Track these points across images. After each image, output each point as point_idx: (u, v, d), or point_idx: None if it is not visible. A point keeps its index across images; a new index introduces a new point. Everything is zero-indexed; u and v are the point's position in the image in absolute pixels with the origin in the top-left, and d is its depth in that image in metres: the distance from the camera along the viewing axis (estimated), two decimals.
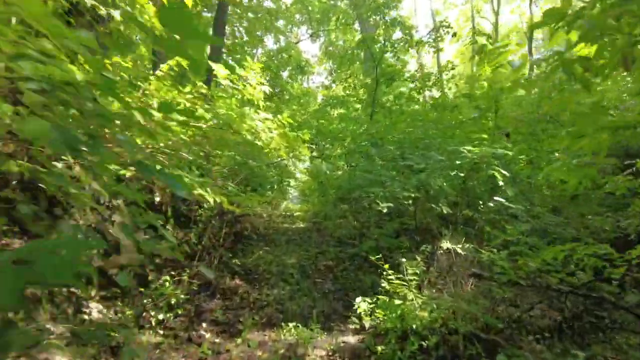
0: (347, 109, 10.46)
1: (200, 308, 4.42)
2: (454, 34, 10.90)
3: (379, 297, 3.27)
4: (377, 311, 3.14)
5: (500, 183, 4.42)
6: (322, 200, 13.65)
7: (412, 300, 3.09)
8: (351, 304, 5.09)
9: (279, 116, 3.23)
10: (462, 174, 4.33)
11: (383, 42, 11.14)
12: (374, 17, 12.06)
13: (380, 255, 3.60)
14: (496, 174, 4.41)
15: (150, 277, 4.55)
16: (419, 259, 3.92)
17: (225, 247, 5.45)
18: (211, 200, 2.37)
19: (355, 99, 11.86)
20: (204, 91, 2.97)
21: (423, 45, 11.77)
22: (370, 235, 7.60)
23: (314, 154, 8.78)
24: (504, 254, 3.31)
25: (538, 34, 28.65)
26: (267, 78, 15.67)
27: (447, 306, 2.95)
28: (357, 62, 18.77)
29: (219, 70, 3.24)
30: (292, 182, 15.74)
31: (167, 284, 3.93)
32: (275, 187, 8.11)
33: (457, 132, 5.83)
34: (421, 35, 12.60)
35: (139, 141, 3.05)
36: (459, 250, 4.18)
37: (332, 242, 9.77)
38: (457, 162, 4.29)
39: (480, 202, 4.50)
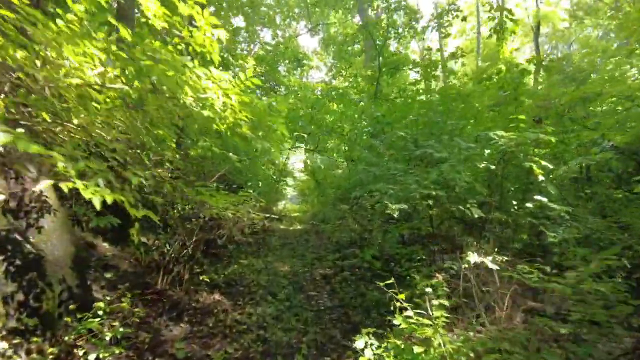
0: (347, 102, 9.52)
1: (159, 337, 3.47)
2: (464, 18, 9.96)
3: (390, 340, 2.33)
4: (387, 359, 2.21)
5: (541, 178, 3.47)
6: (321, 200, 12.73)
7: (440, 346, 2.15)
8: (351, 329, 4.16)
9: (240, 74, 2.25)
10: (492, 166, 3.38)
11: (386, 27, 10.19)
12: (376, 2, 11.11)
13: (392, 281, 2.65)
14: (534, 166, 3.46)
15: (98, 296, 3.61)
16: (439, 277, 2.98)
17: (199, 256, 4.50)
18: (96, 201, 1.45)
19: (355, 90, 10.92)
20: (128, 37, 2.02)
21: (421, 36, 10.80)
22: (373, 241, 6.66)
23: (309, 146, 7.83)
24: (570, 277, 2.35)
25: (544, 29, 27.68)
26: (262, 72, 14.68)
27: (493, 357, 2.01)
28: (358, 57, 17.85)
29: (148, 4, 2.27)
30: (291, 182, 14.82)
31: (106, 307, 2.97)
32: (260, 184, 7.16)
33: (474, 120, 4.88)
34: (424, 23, 11.63)
35: (46, 117, 2.11)
36: (491, 265, 3.22)
37: (331, 246, 8.84)
38: (486, 150, 3.35)
39: (514, 203, 3.56)
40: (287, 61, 17.50)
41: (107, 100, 2.10)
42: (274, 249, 8.49)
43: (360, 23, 17.24)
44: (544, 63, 6.76)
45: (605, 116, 7.07)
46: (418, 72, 11.25)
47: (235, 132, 2.33)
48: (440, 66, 10.19)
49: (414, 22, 10.25)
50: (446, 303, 2.58)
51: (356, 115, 7.16)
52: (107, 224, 3.74)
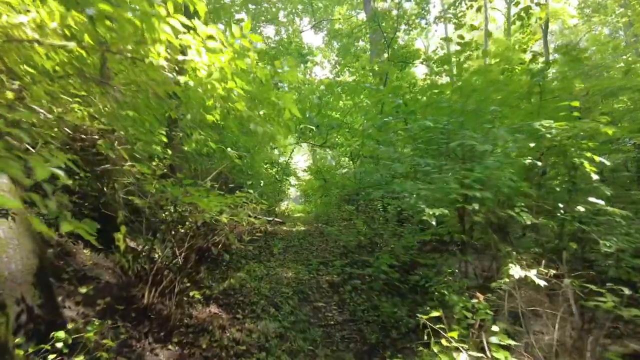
0: (359, 90, 8.90)
1: None
2: (479, 9, 9.42)
3: None
4: None
5: (594, 177, 2.92)
6: (325, 201, 12.16)
7: None
8: (368, 351, 3.61)
9: (234, 28, 1.66)
10: (539, 163, 2.83)
11: (396, 18, 9.63)
12: None
13: (440, 313, 2.10)
14: (585, 163, 2.91)
15: (71, 315, 3.08)
16: (480, 297, 2.43)
17: (192, 265, 3.96)
18: None
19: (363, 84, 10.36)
20: None
21: (427, 29, 10.26)
22: (385, 247, 6.11)
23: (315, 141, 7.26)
24: None
25: (552, 26, 27.06)
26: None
27: None
28: (364, 53, 17.27)
29: None
30: (294, 181, 14.26)
31: (69, 338, 2.42)
32: (262, 184, 6.62)
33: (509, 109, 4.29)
34: (435, 14, 11.10)
35: None
36: (538, 281, 2.67)
37: (338, 250, 8.29)
38: (531, 144, 2.79)
39: (560, 205, 3.00)
40: (290, 55, 16.90)
41: (57, 69, 1.56)
42: (277, 253, 7.96)
43: (365, 19, 16.72)
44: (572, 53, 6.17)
45: None
46: (428, 66, 10.76)
47: (227, 112, 1.78)
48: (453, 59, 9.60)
49: (425, 12, 9.69)
50: (511, 343, 2.03)
51: (367, 103, 6.60)
52: (81, 230, 3.18)
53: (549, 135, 2.80)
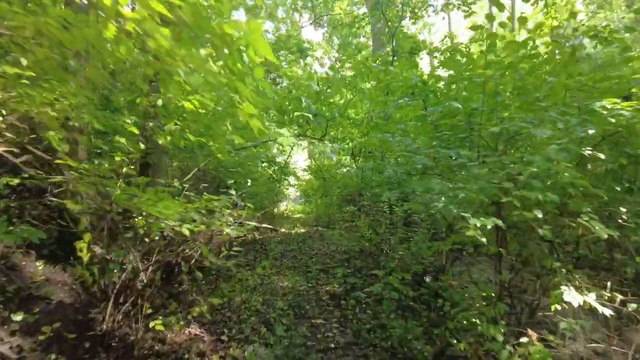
0: (358, 83, 8.20)
1: None
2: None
3: None
4: None
5: None
6: (325, 202, 11.51)
7: None
8: None
9: None
10: (602, 155, 2.17)
11: (400, 6, 8.98)
12: None
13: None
14: None
15: (2, 350, 2.43)
16: (533, 336, 1.77)
17: (157, 281, 3.30)
18: None
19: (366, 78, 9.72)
20: None
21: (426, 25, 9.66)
22: (393, 253, 5.45)
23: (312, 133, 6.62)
24: None
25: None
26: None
27: None
28: (364, 51, 16.63)
29: None
30: (293, 181, 13.63)
31: None
32: (249, 184, 5.95)
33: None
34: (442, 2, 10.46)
35: None
36: (600, 308, 2.01)
37: (339, 255, 7.64)
38: (590, 131, 2.14)
39: (622, 210, 2.34)
40: (289, 53, 16.26)
41: None
42: (272, 257, 7.33)
43: (367, 14, 16.07)
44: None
45: None
46: (435, 57, 10.18)
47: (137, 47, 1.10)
48: (463, 48, 8.97)
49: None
50: None
51: (367, 83, 5.94)
52: (19, 239, 2.53)
53: (612, 120, 2.15)
